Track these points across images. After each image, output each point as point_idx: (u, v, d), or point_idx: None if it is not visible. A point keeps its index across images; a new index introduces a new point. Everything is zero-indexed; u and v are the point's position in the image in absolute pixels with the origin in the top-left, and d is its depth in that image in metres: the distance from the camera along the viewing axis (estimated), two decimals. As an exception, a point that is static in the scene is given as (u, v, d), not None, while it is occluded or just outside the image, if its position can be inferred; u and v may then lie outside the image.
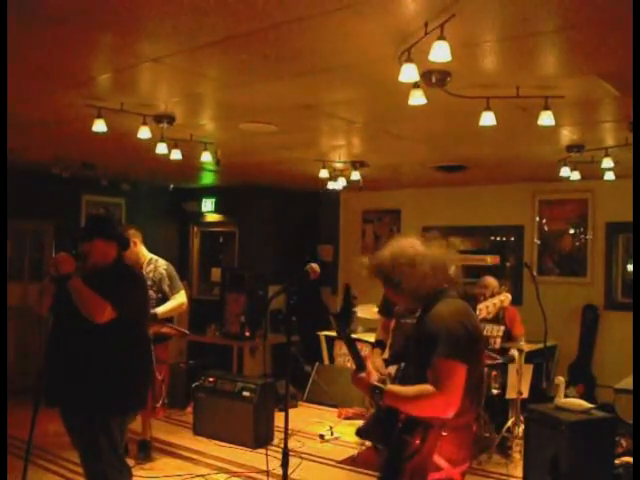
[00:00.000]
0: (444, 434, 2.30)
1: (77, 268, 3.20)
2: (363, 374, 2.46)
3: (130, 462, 3.77)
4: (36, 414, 3.20)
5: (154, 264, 5.07)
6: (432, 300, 2.42)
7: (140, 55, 3.29)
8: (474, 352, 2.34)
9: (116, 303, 3.16)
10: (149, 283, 4.80)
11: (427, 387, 2.26)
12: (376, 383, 2.41)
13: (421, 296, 2.46)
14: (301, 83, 3.73)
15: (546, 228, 7.54)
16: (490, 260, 6.46)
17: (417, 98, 3.32)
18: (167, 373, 5.21)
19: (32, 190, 7.26)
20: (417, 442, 2.30)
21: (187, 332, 5.73)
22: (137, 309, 3.38)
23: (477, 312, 4.75)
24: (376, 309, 4.83)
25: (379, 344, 4.39)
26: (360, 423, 5.94)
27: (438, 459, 2.30)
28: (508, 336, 5.59)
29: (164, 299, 5.00)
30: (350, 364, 7.26)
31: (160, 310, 4.90)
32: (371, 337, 5.26)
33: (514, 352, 5.28)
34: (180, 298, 5.07)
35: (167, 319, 5.04)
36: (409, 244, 2.48)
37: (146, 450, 5.12)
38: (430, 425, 2.30)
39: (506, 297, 5.05)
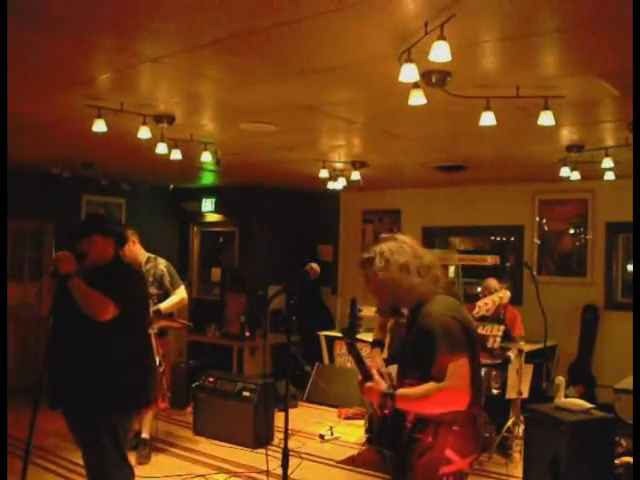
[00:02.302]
0: (454, 428, 2.36)
1: (77, 267, 3.20)
2: (372, 383, 2.50)
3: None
4: (35, 414, 3.19)
5: (153, 262, 5.26)
6: (422, 302, 2.46)
7: (140, 55, 3.29)
8: (470, 341, 2.40)
9: (118, 300, 3.16)
10: (150, 280, 5.00)
11: (437, 384, 2.30)
12: (387, 390, 2.45)
13: (409, 301, 2.50)
14: (301, 83, 3.73)
15: (546, 228, 7.53)
16: (490, 260, 6.45)
17: (417, 98, 3.32)
18: (168, 367, 5.33)
19: (32, 190, 7.26)
20: (429, 439, 2.37)
21: (190, 324, 5.98)
22: (138, 306, 3.40)
23: (476, 309, 4.75)
24: (374, 309, 4.84)
25: (378, 343, 4.38)
26: (362, 424, 5.93)
27: (449, 453, 2.36)
28: (507, 336, 5.58)
29: (165, 294, 5.20)
30: (350, 364, 7.27)
31: (163, 306, 5.10)
32: (370, 337, 5.24)
33: (511, 353, 5.28)
34: (181, 293, 5.30)
35: (169, 314, 5.26)
36: (408, 249, 2.49)
37: (146, 449, 5.13)
38: (442, 422, 2.35)
39: (505, 294, 5.06)
